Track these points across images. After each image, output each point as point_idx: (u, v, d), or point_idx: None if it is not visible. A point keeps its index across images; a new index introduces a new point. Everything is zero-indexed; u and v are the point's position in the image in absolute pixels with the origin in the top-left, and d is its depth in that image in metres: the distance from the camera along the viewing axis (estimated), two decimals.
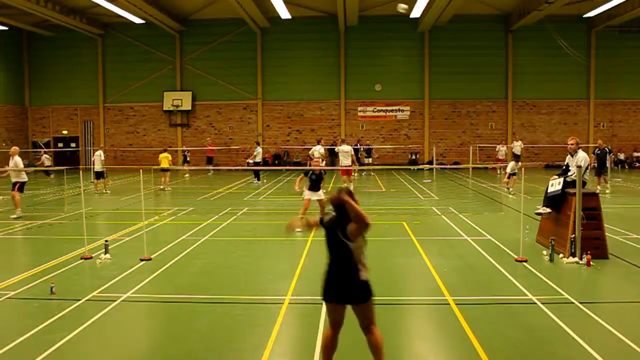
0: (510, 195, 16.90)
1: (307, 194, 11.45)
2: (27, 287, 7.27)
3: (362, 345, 4.47)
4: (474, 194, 18.07)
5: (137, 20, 28.73)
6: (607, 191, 17.38)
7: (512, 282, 7.29)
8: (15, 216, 13.31)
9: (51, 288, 6.90)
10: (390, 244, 9.89)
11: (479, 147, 29.32)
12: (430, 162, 29.08)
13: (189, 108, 31.74)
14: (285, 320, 5.96)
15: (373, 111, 31.48)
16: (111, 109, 32.74)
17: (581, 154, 9.01)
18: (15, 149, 14.17)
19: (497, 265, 8.23)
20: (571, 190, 8.64)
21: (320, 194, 11.58)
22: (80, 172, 11.62)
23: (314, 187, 11.48)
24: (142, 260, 8.66)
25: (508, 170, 17.28)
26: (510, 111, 31.09)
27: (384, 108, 31.39)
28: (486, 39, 30.58)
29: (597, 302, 6.59)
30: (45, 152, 26.41)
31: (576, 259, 8.24)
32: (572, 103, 30.99)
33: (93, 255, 8.96)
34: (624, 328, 5.52)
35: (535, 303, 6.39)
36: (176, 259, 8.88)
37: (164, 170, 19.81)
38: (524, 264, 8.23)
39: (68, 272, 8.05)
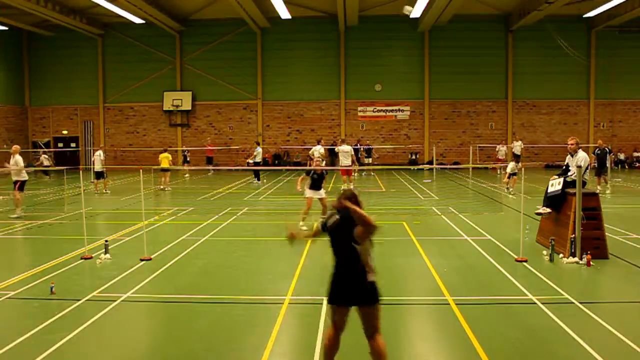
0: (510, 195, 16.90)
1: (309, 193, 11.54)
2: (27, 287, 7.27)
3: (364, 349, 4.46)
4: (474, 194, 18.07)
5: (137, 20, 28.73)
6: (608, 191, 17.38)
7: (512, 282, 7.29)
8: (15, 216, 13.33)
9: (51, 288, 6.90)
10: (390, 244, 9.88)
11: (479, 147, 29.31)
12: (430, 162, 29.07)
13: (189, 108, 31.74)
14: (285, 320, 5.96)
15: (373, 111, 31.48)
16: (111, 109, 32.74)
17: (581, 154, 9.01)
18: (16, 147, 14.21)
19: (497, 265, 8.23)
20: (571, 190, 8.64)
21: (322, 193, 11.68)
22: (80, 172, 11.63)
23: (316, 186, 11.55)
24: (142, 260, 8.67)
25: (508, 170, 17.28)
26: (510, 111, 31.09)
27: (384, 108, 31.39)
28: (486, 39, 30.58)
29: (597, 302, 6.59)
30: (45, 152, 26.37)
31: (576, 259, 8.24)
32: (572, 103, 30.98)
33: (93, 255, 8.96)
34: (624, 328, 5.52)
35: (535, 303, 6.39)
36: (176, 259, 8.88)
37: (164, 170, 19.81)
38: (524, 264, 8.23)
39: (68, 272, 8.06)
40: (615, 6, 25.90)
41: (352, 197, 4.24)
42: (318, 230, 4.59)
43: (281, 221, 12.90)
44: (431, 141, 30.96)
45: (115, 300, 6.62)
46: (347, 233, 4.16)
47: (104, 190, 18.97)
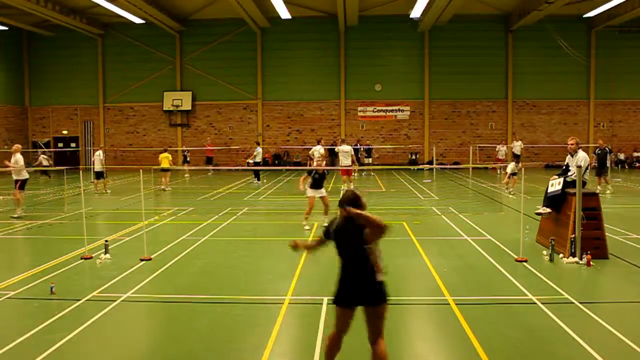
0: (510, 195, 16.90)
1: (310, 192, 11.63)
2: (27, 287, 7.27)
3: (365, 350, 4.46)
4: (474, 194, 18.07)
5: (137, 20, 28.73)
6: (608, 191, 17.36)
7: (512, 282, 7.29)
8: (16, 215, 13.36)
9: (51, 288, 6.90)
10: (390, 244, 9.87)
11: (479, 147, 29.31)
12: (430, 162, 29.07)
13: (189, 108, 31.75)
14: (285, 320, 5.96)
15: (373, 111, 31.48)
16: (111, 109, 32.74)
17: (581, 154, 9.01)
18: (17, 146, 14.28)
19: (497, 265, 8.23)
20: (571, 190, 8.64)
21: (323, 192, 11.79)
22: (80, 172, 11.64)
23: (317, 185, 11.64)
24: (142, 260, 8.67)
25: (508, 170, 17.27)
26: (510, 111, 31.09)
27: (384, 108, 31.39)
28: (486, 39, 30.58)
29: (597, 302, 6.59)
30: (43, 153, 26.33)
31: (576, 259, 8.24)
32: (572, 103, 30.99)
33: (93, 255, 8.96)
34: (624, 328, 5.52)
35: (535, 303, 6.39)
36: (176, 259, 8.88)
37: (165, 170, 19.81)
38: (524, 264, 8.23)
39: (68, 272, 8.06)
40: (615, 6, 25.90)
41: (355, 199, 4.19)
42: (321, 239, 4.47)
43: (281, 221, 12.92)
44: (431, 141, 30.96)
45: (115, 300, 6.62)
46: (353, 234, 4.11)
47: (104, 190, 18.97)
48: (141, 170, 10.33)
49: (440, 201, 16.09)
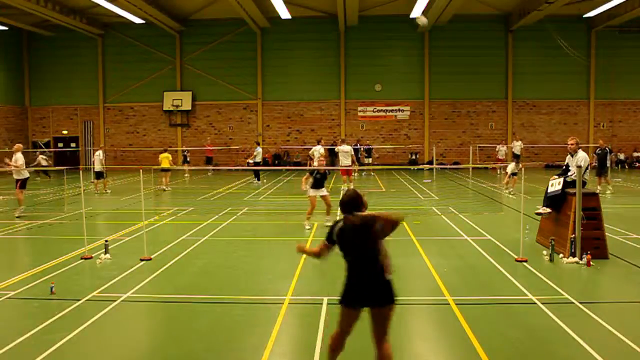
0: (510, 196, 16.90)
1: (312, 192, 11.66)
2: (27, 287, 7.27)
3: (369, 350, 4.46)
4: (474, 194, 18.07)
5: (137, 20, 28.73)
6: (608, 192, 17.36)
7: (512, 282, 7.29)
8: (17, 214, 13.43)
9: (51, 288, 6.90)
10: (390, 244, 9.82)
11: (479, 147, 29.31)
12: (430, 162, 29.07)
13: (189, 108, 31.74)
14: (285, 320, 5.96)
15: (373, 111, 31.48)
16: (111, 109, 32.74)
17: (581, 154, 9.01)
18: (18, 145, 14.38)
19: (497, 265, 8.23)
20: (571, 190, 8.64)
21: (324, 191, 11.85)
22: (80, 172, 11.64)
23: (318, 185, 11.69)
24: (142, 260, 8.67)
25: (508, 170, 17.27)
26: (510, 111, 31.09)
27: (384, 108, 31.39)
28: (486, 39, 30.58)
29: (597, 302, 6.59)
30: (42, 153, 26.28)
31: (576, 259, 8.24)
32: (572, 103, 30.99)
33: (93, 255, 8.96)
34: (624, 328, 5.52)
35: (535, 303, 6.39)
36: (176, 259, 8.88)
37: (165, 170, 19.81)
38: (524, 264, 8.23)
39: (68, 272, 8.06)
40: (615, 6, 25.91)
41: (357, 198, 4.18)
42: (325, 245, 4.37)
43: (281, 221, 12.92)
44: (431, 141, 30.96)
45: (115, 300, 6.62)
46: (360, 234, 4.09)
47: (104, 190, 18.98)
48: (141, 170, 10.34)
49: (440, 201, 16.09)
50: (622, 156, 30.15)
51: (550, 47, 29.58)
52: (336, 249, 4.30)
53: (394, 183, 22.06)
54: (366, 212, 4.10)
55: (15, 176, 13.85)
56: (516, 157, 23.47)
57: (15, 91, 32.29)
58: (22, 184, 13.80)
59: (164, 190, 19.36)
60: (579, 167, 8.44)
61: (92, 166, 19.77)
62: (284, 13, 27.36)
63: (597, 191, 9.93)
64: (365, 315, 4.19)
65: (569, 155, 9.31)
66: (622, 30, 29.83)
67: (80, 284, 7.45)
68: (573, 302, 6.39)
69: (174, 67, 31.92)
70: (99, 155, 19.02)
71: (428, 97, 31.10)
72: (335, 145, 24.34)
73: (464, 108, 31.24)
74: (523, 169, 13.42)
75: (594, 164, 16.85)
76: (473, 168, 25.77)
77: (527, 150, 29.47)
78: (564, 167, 9.34)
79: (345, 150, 18.78)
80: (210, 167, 28.23)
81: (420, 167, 29.11)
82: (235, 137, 31.94)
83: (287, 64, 31.35)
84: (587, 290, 7.30)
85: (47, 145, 32.40)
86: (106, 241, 9.11)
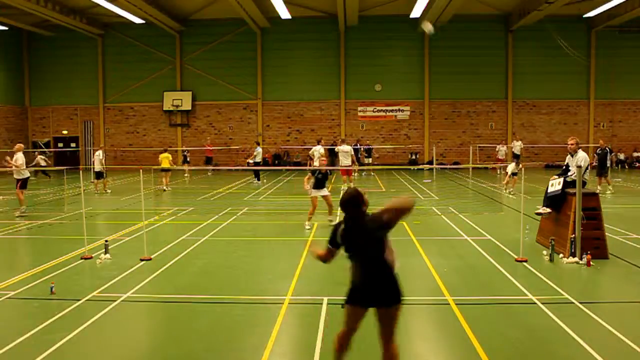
0: (510, 195, 16.90)
1: (314, 192, 11.69)
2: (27, 287, 7.27)
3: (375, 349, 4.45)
4: (474, 194, 18.07)
5: (137, 20, 28.73)
6: (608, 192, 17.36)
7: (512, 282, 7.29)
8: (17, 214, 13.47)
9: (51, 288, 6.90)
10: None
11: (479, 147, 29.31)
12: (430, 162, 29.07)
13: (189, 108, 31.75)
14: (285, 320, 5.95)
15: (373, 111, 31.48)
16: (111, 109, 32.74)
17: (581, 154, 9.01)
18: (20, 145, 14.47)
19: (497, 265, 8.23)
20: (571, 190, 8.64)
21: (326, 191, 11.90)
22: (80, 172, 11.64)
23: (320, 185, 11.73)
24: (142, 260, 8.67)
25: (508, 170, 17.26)
26: (510, 111, 31.09)
27: (384, 108, 31.39)
28: (486, 39, 30.58)
29: (597, 302, 6.59)
30: (41, 153, 26.24)
31: (576, 259, 8.24)
32: (572, 103, 30.99)
33: (93, 255, 8.96)
34: (624, 328, 5.52)
35: (535, 303, 6.39)
36: (176, 259, 8.88)
37: (165, 170, 19.81)
38: (524, 264, 8.23)
39: (68, 272, 8.06)
40: (615, 6, 25.91)
41: (357, 196, 4.15)
42: (330, 250, 4.26)
43: (281, 221, 12.92)
44: (431, 141, 30.96)
45: (115, 300, 6.62)
46: (366, 233, 4.05)
47: (104, 190, 18.98)
48: (141, 170, 10.34)
49: (440, 201, 16.09)
50: (622, 156, 30.15)
51: (550, 47, 29.58)
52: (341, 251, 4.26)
53: (394, 183, 22.06)
54: (387, 207, 4.06)
55: (15, 176, 13.93)
56: (516, 157, 23.47)
57: (15, 91, 32.29)
58: (23, 183, 13.86)
59: (164, 190, 19.36)
60: (579, 167, 8.44)
61: (92, 166, 19.78)
62: (284, 13, 27.36)
63: (597, 191, 9.93)
64: (370, 314, 4.16)
65: (569, 155, 9.31)
66: (622, 30, 29.83)
67: (80, 284, 7.45)
68: (573, 302, 6.39)
69: (174, 67, 31.93)
70: (99, 155, 19.03)
71: (428, 97, 31.10)
72: (335, 145, 24.34)
73: (464, 108, 31.24)
74: (523, 169, 13.42)
75: (594, 164, 16.85)
76: (473, 168, 25.77)
77: (527, 150, 29.48)
78: (564, 167, 9.34)
79: (345, 150, 18.79)
80: (210, 167, 28.22)
81: (420, 167, 29.11)
82: (235, 137, 31.94)
83: (287, 64, 31.36)
84: (587, 290, 7.30)
85: (47, 145, 32.40)
86: (106, 241, 9.11)
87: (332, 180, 21.92)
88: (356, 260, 4.13)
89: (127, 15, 27.59)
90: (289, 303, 6.52)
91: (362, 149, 28.58)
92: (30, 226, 12.27)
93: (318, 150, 20.37)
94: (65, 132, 33.03)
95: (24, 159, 14.24)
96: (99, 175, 19.00)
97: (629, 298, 6.77)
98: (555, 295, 6.68)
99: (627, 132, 31.16)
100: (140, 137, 32.63)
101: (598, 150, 18.06)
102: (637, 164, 30.23)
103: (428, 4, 24.83)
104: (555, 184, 9.15)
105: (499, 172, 24.79)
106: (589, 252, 8.19)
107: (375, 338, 4.21)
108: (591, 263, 8.05)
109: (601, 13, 27.63)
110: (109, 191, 19.03)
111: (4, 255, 9.74)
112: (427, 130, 31.29)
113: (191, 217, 13.33)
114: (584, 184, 8.65)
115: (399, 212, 4.01)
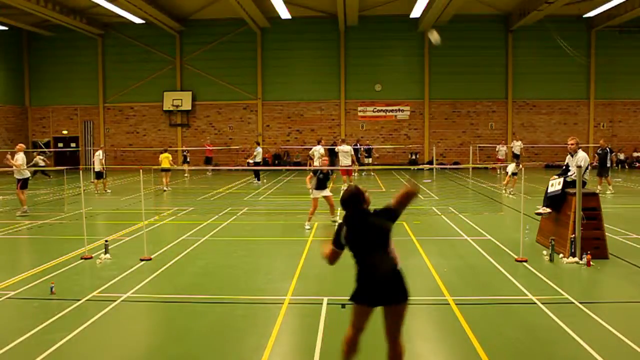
0: (510, 196, 16.90)
1: (315, 193, 11.69)
2: (27, 287, 7.27)
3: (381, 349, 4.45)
4: (474, 194, 18.07)
5: (137, 20, 28.73)
6: (608, 192, 17.34)
7: (512, 282, 7.29)
8: (18, 214, 13.49)
9: (51, 288, 6.90)
10: None
11: (479, 147, 29.32)
12: (430, 162, 29.07)
13: (189, 108, 31.74)
14: (285, 320, 5.95)
15: (373, 111, 31.48)
16: (111, 109, 32.74)
17: (581, 154, 9.01)
18: (21, 145, 14.52)
19: (497, 265, 8.23)
20: (571, 190, 8.64)
21: (327, 192, 11.91)
22: (80, 172, 11.65)
23: (321, 185, 11.75)
24: (142, 260, 8.66)
25: (509, 170, 17.26)
26: (510, 111, 31.09)
27: (384, 108, 31.39)
28: (486, 39, 30.58)
29: (597, 302, 6.59)
30: (39, 154, 26.20)
31: (576, 259, 8.24)
32: (572, 103, 30.98)
33: (93, 255, 8.96)
34: (624, 328, 5.52)
35: (535, 303, 6.39)
36: (176, 259, 8.88)
37: (165, 170, 19.81)
38: (524, 264, 8.23)
39: (68, 272, 8.06)
40: (615, 6, 25.91)
41: (358, 194, 4.13)
42: (333, 252, 4.23)
43: (281, 221, 12.92)
44: (431, 141, 30.96)
45: (115, 300, 6.62)
46: (371, 230, 4.03)
47: (104, 190, 18.98)
48: (141, 170, 10.34)
49: (440, 201, 16.09)
50: (622, 156, 30.15)
51: (550, 47, 29.57)
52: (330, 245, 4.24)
53: (394, 183, 22.05)
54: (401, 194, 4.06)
55: (16, 176, 13.99)
56: (516, 157, 23.48)
57: (15, 91, 32.29)
58: (23, 184, 13.90)
59: (164, 190, 19.35)
60: (579, 167, 8.44)
61: (92, 166, 19.79)
62: (284, 13, 27.36)
63: (597, 191, 9.92)
64: (376, 312, 4.13)
65: (569, 155, 9.31)
66: (622, 30, 29.82)
67: (80, 284, 7.45)
68: (573, 302, 6.39)
69: (174, 67, 31.93)
70: (99, 155, 19.03)
71: (428, 97, 31.10)
72: (335, 145, 24.34)
73: (464, 108, 31.24)
74: (523, 169, 13.43)
75: (594, 164, 16.85)
76: (473, 168, 25.77)
77: (527, 150, 29.48)
78: (564, 167, 9.34)
79: (345, 150, 18.79)
80: (210, 167, 28.22)
81: (420, 167, 29.11)
82: (235, 137, 31.94)
83: (287, 64, 31.35)
84: (587, 290, 7.30)
85: (47, 145, 32.40)
86: (106, 241, 9.11)
87: (333, 180, 21.91)
88: (361, 259, 4.09)
89: (127, 15, 27.59)
90: (289, 303, 6.52)
91: (362, 149, 28.58)
92: (30, 226, 12.28)
93: (318, 150, 20.37)
94: (65, 132, 33.02)
95: (25, 159, 14.29)
96: (99, 175, 19.00)
97: (629, 298, 6.77)
98: (555, 295, 6.68)
99: (627, 132, 31.16)
100: (140, 137, 32.62)
101: (599, 150, 18.06)
102: (637, 164, 30.23)
103: (428, 4, 24.82)
104: (555, 184, 9.15)
105: (498, 172, 24.79)
106: (589, 252, 8.19)
107: (375, 337, 4.20)
108: (591, 263, 8.05)
109: (601, 13, 27.63)
110: (109, 191, 19.03)
111: (4, 255, 9.74)
112: (427, 130, 31.29)
113: (191, 217, 13.33)
114: (584, 184, 8.65)
115: (405, 200, 4.02)
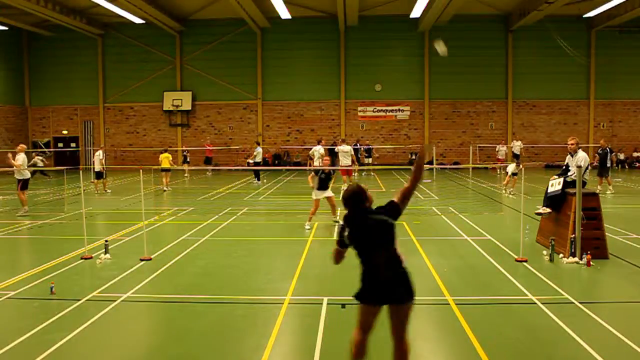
0: (510, 196, 16.90)
1: (317, 194, 11.67)
2: (27, 287, 7.27)
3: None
4: (474, 194, 18.07)
5: (137, 20, 28.74)
6: (608, 192, 17.35)
7: (512, 282, 7.29)
8: (19, 213, 13.51)
9: (51, 288, 6.90)
10: None
11: (479, 147, 29.32)
12: (430, 162, 29.05)
13: (189, 108, 31.74)
14: (285, 320, 5.95)
15: (373, 111, 31.48)
16: (111, 109, 32.74)
17: (581, 154, 9.01)
18: (22, 146, 14.55)
19: (497, 265, 8.23)
20: (571, 190, 8.64)
21: (329, 192, 11.89)
22: (80, 172, 11.65)
23: (323, 186, 11.74)
24: (142, 260, 8.66)
25: (509, 170, 17.26)
26: (510, 111, 31.09)
27: (384, 108, 31.39)
28: (486, 39, 30.58)
29: (597, 302, 6.59)
30: (38, 154, 26.17)
31: (576, 259, 8.24)
32: (572, 103, 30.98)
33: (93, 255, 8.96)
34: (624, 328, 5.52)
35: (535, 303, 6.39)
36: (176, 259, 8.88)
37: (165, 170, 19.81)
38: (524, 264, 8.23)
39: (68, 272, 8.05)
40: (615, 6, 25.91)
41: (360, 192, 4.09)
42: (338, 252, 4.20)
43: (281, 221, 12.92)
44: (431, 141, 30.95)
45: (115, 300, 6.62)
46: (376, 228, 4.00)
47: (104, 190, 18.98)
48: (141, 170, 10.34)
49: (440, 201, 16.09)
50: (622, 156, 30.15)
51: (550, 47, 29.58)
52: (331, 245, 4.23)
53: (394, 183, 22.05)
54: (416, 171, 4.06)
55: (16, 176, 14.02)
56: (516, 157, 23.48)
57: (15, 91, 32.29)
58: (24, 184, 13.93)
59: (164, 190, 19.35)
60: (579, 167, 8.44)
61: (92, 166, 19.79)
62: (284, 13, 27.36)
63: (597, 191, 9.92)
64: (383, 311, 4.10)
65: (569, 155, 9.31)
66: (622, 30, 29.83)
67: (80, 284, 7.45)
68: (573, 302, 6.39)
69: (174, 67, 31.93)
70: (99, 155, 19.04)
71: (428, 97, 31.10)
72: (335, 145, 24.34)
73: (464, 108, 31.24)
74: (523, 169, 13.42)
75: (594, 164, 16.85)
76: (473, 168, 25.77)
77: (527, 150, 29.49)
78: (564, 167, 9.34)
79: (345, 150, 18.81)
80: (210, 168, 28.22)
81: None
82: (235, 137, 31.94)
83: (287, 64, 31.35)
84: (587, 290, 7.30)
85: (47, 145, 32.39)
86: (106, 241, 9.11)
87: (332, 181, 21.91)
88: (366, 258, 4.06)
89: (127, 15, 27.59)
90: (289, 303, 6.52)
91: (362, 149, 28.58)
92: (30, 226, 12.28)
93: (318, 150, 20.37)
94: (65, 132, 33.03)
95: (26, 160, 14.32)
96: (99, 175, 19.00)
97: (629, 298, 6.77)
98: (555, 295, 6.68)
99: (627, 132, 31.16)
100: (140, 137, 32.62)
101: (599, 150, 18.07)
102: (637, 164, 30.23)
103: (428, 4, 24.83)
104: (555, 184, 9.15)
105: (498, 172, 24.79)
106: (589, 252, 8.19)
107: (378, 337, 4.20)
108: (591, 263, 8.06)
109: (601, 13, 27.63)
110: (109, 191, 19.03)
111: (4, 255, 9.74)
112: (427, 130, 31.29)
113: (191, 217, 13.33)
114: (584, 184, 8.65)
115: (409, 191, 4.03)
